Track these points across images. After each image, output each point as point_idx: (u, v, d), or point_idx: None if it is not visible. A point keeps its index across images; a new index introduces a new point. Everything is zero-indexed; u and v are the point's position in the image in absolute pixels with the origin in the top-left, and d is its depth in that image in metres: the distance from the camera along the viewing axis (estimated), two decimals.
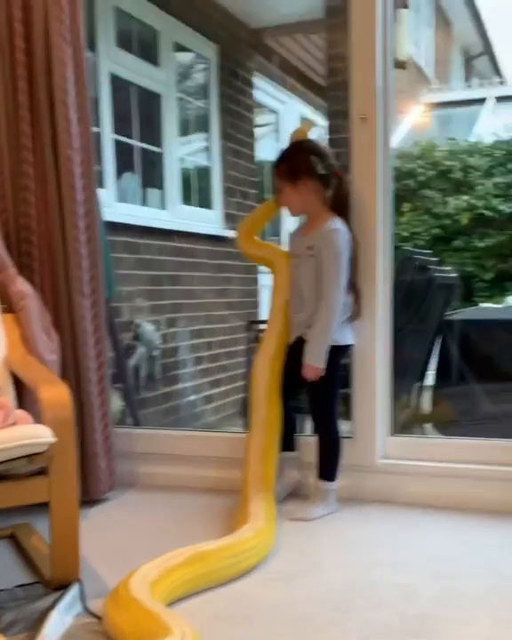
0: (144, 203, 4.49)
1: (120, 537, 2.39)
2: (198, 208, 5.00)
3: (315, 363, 2.48)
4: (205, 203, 5.11)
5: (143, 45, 4.43)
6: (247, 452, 2.60)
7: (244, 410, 5.27)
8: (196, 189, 5.09)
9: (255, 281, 5.60)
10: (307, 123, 2.71)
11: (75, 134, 2.59)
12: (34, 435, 1.78)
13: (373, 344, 2.64)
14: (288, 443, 2.69)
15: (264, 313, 5.89)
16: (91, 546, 2.13)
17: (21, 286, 2.40)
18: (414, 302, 3.47)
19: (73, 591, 1.85)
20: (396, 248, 2.92)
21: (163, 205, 4.59)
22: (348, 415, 2.72)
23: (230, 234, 5.18)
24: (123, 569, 2.05)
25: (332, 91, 5.41)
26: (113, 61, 4.04)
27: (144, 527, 2.48)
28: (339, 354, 2.57)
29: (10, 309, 2.43)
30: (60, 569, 1.92)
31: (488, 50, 13.87)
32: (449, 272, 4.02)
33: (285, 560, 2.15)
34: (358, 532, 2.36)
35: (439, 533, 2.33)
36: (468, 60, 13.98)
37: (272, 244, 2.73)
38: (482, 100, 9.06)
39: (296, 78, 6.59)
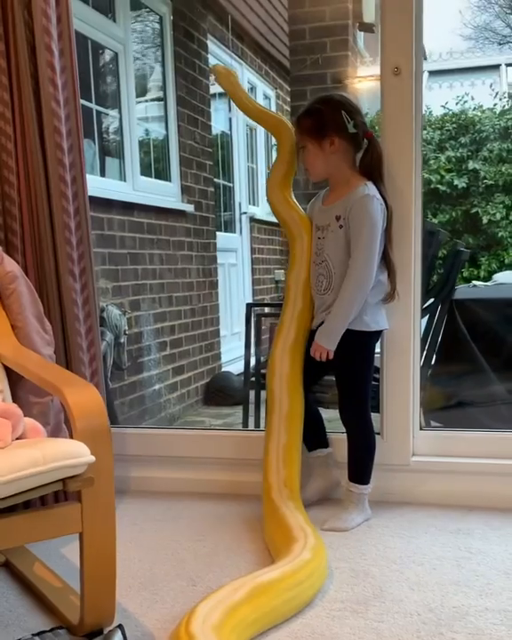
0: (102, 173, 4.05)
1: (130, 558, 2.03)
2: (156, 180, 4.58)
3: (325, 343, 2.19)
4: (162, 174, 4.70)
5: None
6: (267, 453, 2.28)
7: (208, 397, 4.97)
8: (151, 159, 4.67)
9: (214, 259, 5.24)
10: (231, 73, 2.37)
11: (59, 81, 2.19)
12: (71, 453, 1.40)
13: (408, 328, 2.35)
14: (319, 439, 2.39)
15: (225, 294, 5.55)
16: None
17: (10, 267, 1.99)
18: None
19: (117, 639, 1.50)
20: None
21: (122, 176, 4.16)
22: (374, 409, 2.43)
23: (189, 208, 4.80)
24: (153, 604, 1.74)
25: (293, 55, 5.09)
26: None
27: (154, 543, 2.14)
28: (372, 339, 2.27)
29: None
30: (94, 612, 1.56)
31: None
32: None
33: (342, 583, 1.85)
34: (408, 543, 2.08)
35: (501, 540, 2.07)
36: None
37: (300, 209, 2.36)
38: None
39: (249, 44, 6.21)
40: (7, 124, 2.19)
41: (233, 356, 5.72)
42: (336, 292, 2.20)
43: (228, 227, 6.00)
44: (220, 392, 4.87)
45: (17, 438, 1.60)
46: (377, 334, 2.28)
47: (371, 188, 2.16)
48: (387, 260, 2.22)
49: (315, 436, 2.39)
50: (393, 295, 2.25)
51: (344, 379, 2.28)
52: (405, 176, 2.28)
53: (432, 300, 3.04)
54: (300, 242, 2.33)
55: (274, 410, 2.30)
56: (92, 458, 1.42)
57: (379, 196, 2.17)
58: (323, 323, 2.24)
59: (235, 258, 5.94)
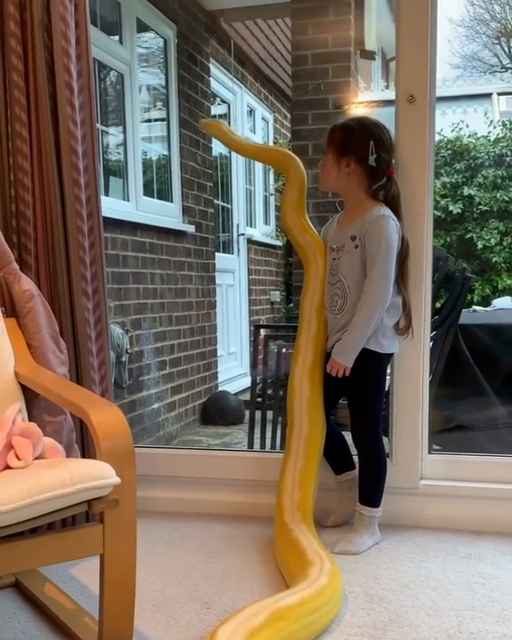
0: (106, 193, 4.07)
1: (142, 579, 1.98)
2: (158, 200, 4.60)
3: (341, 360, 2.19)
4: (164, 194, 4.72)
5: (105, 20, 4.02)
6: (283, 475, 2.28)
7: (206, 417, 4.96)
8: (154, 180, 4.69)
9: (213, 279, 5.25)
10: (220, 123, 2.43)
11: (76, 102, 2.21)
12: (97, 474, 1.39)
13: (418, 352, 2.36)
14: (345, 462, 2.40)
15: (222, 315, 5.56)
16: None
17: (27, 285, 1.99)
18: None
19: None
20: None
21: (125, 196, 4.18)
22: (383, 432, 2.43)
23: (189, 228, 4.82)
24: (168, 627, 1.73)
25: (296, 80, 5.14)
26: None
27: (165, 565, 2.12)
28: (384, 362, 2.28)
29: (12, 313, 2.01)
30: (112, 635, 1.54)
31: None
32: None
33: (357, 608, 1.84)
34: (419, 568, 2.08)
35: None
36: (388, 62, 14.06)
37: (315, 233, 2.37)
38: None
39: (249, 68, 6.28)
40: (24, 143, 2.20)
41: (229, 376, 5.72)
42: (350, 313, 2.21)
43: (226, 248, 6.02)
44: (217, 411, 4.87)
45: (36, 458, 1.59)
46: (388, 357, 2.29)
47: (386, 210, 2.18)
48: (401, 288, 2.23)
49: (340, 459, 2.39)
50: (408, 330, 2.26)
51: (356, 400, 2.28)
52: (419, 202, 2.31)
53: (438, 325, 3.06)
54: (314, 265, 2.35)
55: (293, 432, 2.29)
56: (118, 479, 1.41)
57: (394, 216, 2.19)
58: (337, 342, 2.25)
59: (232, 279, 5.96)
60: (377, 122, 2.22)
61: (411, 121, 2.30)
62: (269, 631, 1.56)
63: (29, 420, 1.89)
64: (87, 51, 2.26)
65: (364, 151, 2.16)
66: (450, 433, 3.33)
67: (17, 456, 1.53)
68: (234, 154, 6.13)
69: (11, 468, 1.52)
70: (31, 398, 1.93)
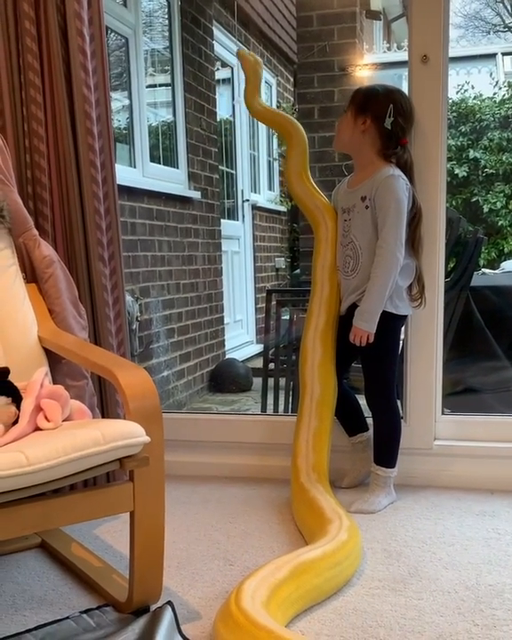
0: None
1: (165, 539, 2.05)
2: (164, 166, 4.59)
3: (364, 326, 2.20)
4: (170, 161, 4.70)
5: None
6: (297, 438, 2.31)
7: (214, 384, 5.00)
8: (160, 146, 4.67)
9: (219, 246, 5.25)
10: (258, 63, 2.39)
11: (90, 66, 2.20)
12: (128, 433, 1.42)
13: (432, 314, 2.38)
14: (358, 423, 2.44)
15: (228, 282, 5.56)
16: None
17: (47, 251, 2.01)
18: None
19: (167, 616, 1.53)
20: None
21: (132, 162, 4.16)
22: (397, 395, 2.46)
23: (195, 195, 4.81)
24: (194, 583, 1.78)
25: (301, 42, 5.09)
26: None
27: (186, 525, 2.17)
28: (398, 323, 2.30)
29: (32, 278, 2.03)
30: (142, 590, 1.59)
31: (406, 12, 13.74)
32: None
33: (377, 563, 1.88)
34: (435, 525, 2.13)
35: None
36: (390, 22, 13.86)
37: (322, 196, 2.38)
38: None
39: (252, 31, 6.20)
40: (39, 109, 2.20)
41: (236, 344, 5.75)
42: (362, 274, 2.23)
43: (231, 214, 6.00)
44: (226, 379, 4.90)
45: (64, 419, 1.62)
46: (402, 319, 2.31)
47: (396, 169, 2.19)
48: (414, 253, 2.24)
49: (353, 421, 2.43)
50: (421, 299, 2.28)
51: (371, 362, 2.31)
52: (433, 162, 2.31)
53: (450, 286, 3.08)
54: (323, 228, 2.36)
55: (306, 395, 2.32)
56: (148, 438, 1.44)
57: (404, 175, 2.19)
58: (351, 306, 2.27)
59: (237, 245, 5.96)
60: (402, 91, 2.24)
61: (424, 81, 2.29)
62: (293, 584, 1.61)
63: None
64: (99, 14, 2.24)
65: (382, 112, 2.17)
66: (458, 396, 3.37)
67: (46, 418, 1.56)
68: (237, 119, 6.10)
69: (40, 429, 1.55)
70: (53, 363, 1.96)
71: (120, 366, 1.58)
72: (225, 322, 5.43)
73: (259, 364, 5.29)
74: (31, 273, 2.03)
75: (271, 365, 3.72)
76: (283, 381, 3.67)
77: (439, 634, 1.53)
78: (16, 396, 1.60)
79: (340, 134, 2.28)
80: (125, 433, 1.42)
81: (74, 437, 1.38)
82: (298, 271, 6.29)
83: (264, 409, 3.64)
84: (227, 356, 5.36)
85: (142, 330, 4.00)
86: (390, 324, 2.26)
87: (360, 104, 2.21)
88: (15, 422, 1.55)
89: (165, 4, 4.66)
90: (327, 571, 1.69)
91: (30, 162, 2.21)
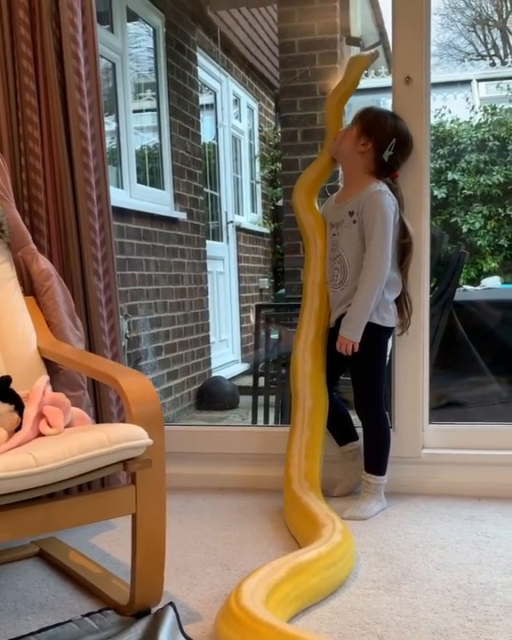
0: None
1: None
2: (151, 188, 4.66)
3: (349, 335, 2.27)
4: (156, 182, 4.78)
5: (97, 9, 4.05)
6: (290, 447, 2.36)
7: (201, 402, 5.04)
8: (146, 168, 4.74)
9: (204, 266, 5.32)
10: (372, 53, 2.43)
11: (85, 87, 2.27)
12: (131, 436, 1.47)
13: (419, 324, 2.45)
14: (348, 432, 2.49)
15: (213, 302, 5.63)
16: (126, 557, 1.82)
17: (44, 265, 2.06)
18: None
19: (169, 617, 1.57)
20: None
21: (119, 184, 4.23)
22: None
23: (181, 216, 4.88)
24: (192, 587, 1.82)
25: (283, 67, 5.19)
26: None
27: (182, 533, 2.21)
28: (385, 335, 2.37)
29: (30, 291, 2.08)
30: (144, 592, 1.62)
31: (383, 41, 14.01)
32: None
33: (371, 566, 1.93)
34: (426, 530, 2.18)
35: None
36: (367, 50, 14.08)
37: (319, 215, 2.46)
38: (386, 89, 9.05)
39: (234, 56, 6.33)
40: (35, 129, 2.26)
41: (221, 362, 5.80)
42: (350, 287, 2.30)
43: (216, 235, 6.09)
44: (213, 396, 4.94)
45: (66, 426, 1.67)
46: (389, 330, 2.38)
47: (383, 186, 2.27)
48: (401, 273, 2.33)
49: (344, 430, 2.48)
50: (405, 325, 2.37)
51: (360, 373, 2.37)
52: (417, 183, 2.40)
53: (434, 300, 3.16)
54: (313, 245, 2.43)
55: (298, 406, 2.38)
56: (151, 440, 1.49)
57: (390, 191, 2.27)
58: (339, 318, 2.33)
59: (222, 266, 6.03)
60: (408, 129, 2.32)
61: (408, 102, 2.38)
62: (291, 584, 1.65)
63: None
64: (93, 37, 2.32)
65: (384, 144, 2.26)
66: (443, 409, 3.43)
67: (48, 424, 1.60)
68: (220, 142, 6.20)
69: (43, 435, 1.59)
70: (51, 374, 2.00)
71: (121, 372, 1.63)
72: (210, 341, 5.48)
73: (244, 382, 5.36)
74: (29, 286, 2.08)
75: (261, 380, 3.78)
76: (272, 398, 3.73)
77: (434, 629, 1.58)
78: (18, 404, 1.64)
79: (341, 145, 2.35)
80: (129, 435, 1.47)
81: (79, 440, 1.43)
82: (282, 291, 6.36)
83: (255, 419, 3.70)
84: (213, 375, 5.41)
85: (131, 347, 4.05)
86: (377, 335, 2.32)
87: (366, 126, 2.28)
88: (18, 429, 1.59)
89: (151, 30, 4.77)
90: (323, 571, 1.73)
91: (27, 180, 2.27)
